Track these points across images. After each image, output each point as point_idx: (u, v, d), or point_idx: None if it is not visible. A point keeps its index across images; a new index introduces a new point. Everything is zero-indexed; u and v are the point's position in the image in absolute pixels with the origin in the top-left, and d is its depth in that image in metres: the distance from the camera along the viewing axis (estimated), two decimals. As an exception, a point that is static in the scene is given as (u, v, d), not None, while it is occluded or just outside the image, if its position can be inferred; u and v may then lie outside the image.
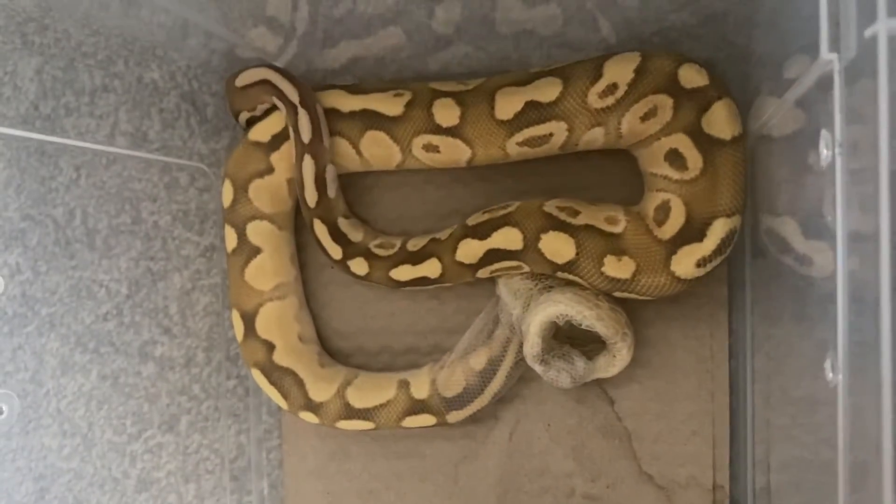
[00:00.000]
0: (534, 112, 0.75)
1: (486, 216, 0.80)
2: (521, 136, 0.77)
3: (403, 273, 0.83)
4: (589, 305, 0.75)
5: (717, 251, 0.72)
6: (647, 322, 0.86)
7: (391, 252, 0.85)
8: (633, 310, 0.83)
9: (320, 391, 0.87)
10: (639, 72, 0.72)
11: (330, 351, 0.94)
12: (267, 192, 0.86)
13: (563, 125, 0.75)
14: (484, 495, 0.91)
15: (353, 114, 0.82)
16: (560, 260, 0.76)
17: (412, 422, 0.86)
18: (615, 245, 0.75)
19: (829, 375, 0.50)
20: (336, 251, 0.85)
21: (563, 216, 0.77)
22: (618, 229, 0.76)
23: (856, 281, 0.47)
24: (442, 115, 0.79)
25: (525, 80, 0.77)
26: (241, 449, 0.95)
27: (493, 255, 0.79)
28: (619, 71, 0.73)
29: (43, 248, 0.74)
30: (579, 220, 0.76)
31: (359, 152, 0.84)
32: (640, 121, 0.74)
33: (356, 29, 0.77)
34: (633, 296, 0.76)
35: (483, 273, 0.81)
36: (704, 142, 0.71)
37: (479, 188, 0.89)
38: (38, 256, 0.73)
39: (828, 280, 0.51)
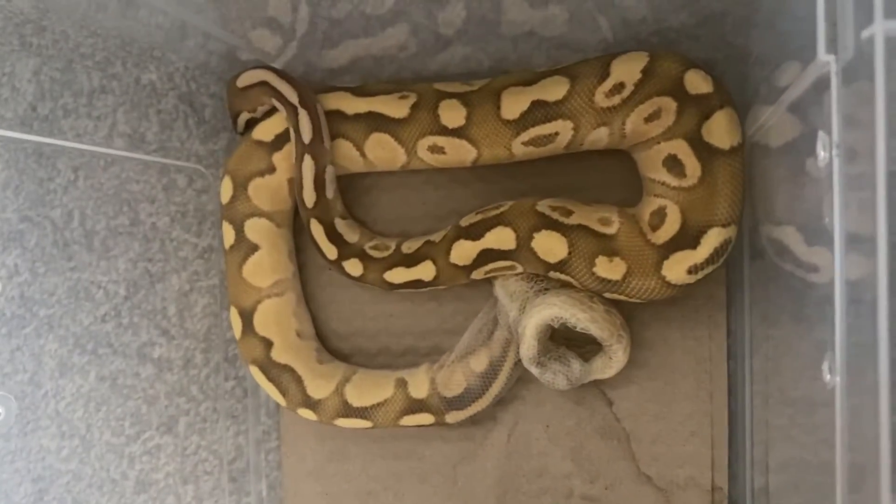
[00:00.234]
0: (540, 111, 0.75)
1: (479, 217, 0.80)
2: (526, 136, 0.77)
3: (397, 275, 0.83)
4: (583, 308, 0.75)
5: (710, 260, 0.72)
6: (646, 323, 0.86)
7: (386, 254, 0.85)
8: (631, 311, 0.83)
9: (318, 388, 0.87)
10: (646, 72, 0.72)
11: (329, 352, 0.94)
12: (267, 191, 0.86)
13: (569, 124, 0.75)
14: (483, 496, 0.91)
15: (357, 116, 0.82)
16: (552, 259, 0.76)
17: (410, 420, 0.86)
18: (607, 246, 0.75)
19: (827, 377, 0.50)
20: (331, 251, 0.85)
21: (555, 215, 0.77)
22: (611, 230, 0.76)
23: (853, 282, 0.47)
24: (448, 117, 0.79)
25: (531, 80, 0.77)
26: (240, 450, 0.95)
27: (486, 256, 0.79)
28: (627, 70, 0.73)
29: (41, 249, 0.74)
30: (572, 220, 0.76)
31: (363, 154, 0.84)
32: (644, 122, 0.74)
33: (355, 30, 0.77)
34: (623, 298, 0.76)
35: (477, 274, 0.81)
36: (703, 150, 0.71)
37: (479, 189, 0.89)
38: (37, 258, 0.73)
39: (826, 282, 0.51)
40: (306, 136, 0.80)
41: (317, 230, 0.85)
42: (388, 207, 0.92)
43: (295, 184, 0.84)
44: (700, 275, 0.73)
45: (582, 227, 0.76)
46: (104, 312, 0.80)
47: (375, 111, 0.81)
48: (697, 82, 0.71)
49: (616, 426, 0.87)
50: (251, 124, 0.87)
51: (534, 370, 0.80)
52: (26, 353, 0.72)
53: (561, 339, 0.81)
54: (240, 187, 0.86)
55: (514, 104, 0.76)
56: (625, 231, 0.75)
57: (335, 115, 0.82)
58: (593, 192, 0.84)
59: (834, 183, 0.48)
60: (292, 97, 0.80)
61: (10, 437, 0.71)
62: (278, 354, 0.87)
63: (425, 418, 0.86)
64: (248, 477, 0.95)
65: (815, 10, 0.48)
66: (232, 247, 0.87)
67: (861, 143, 0.44)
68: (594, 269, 0.74)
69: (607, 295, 0.77)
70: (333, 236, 0.85)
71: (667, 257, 0.73)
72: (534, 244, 0.76)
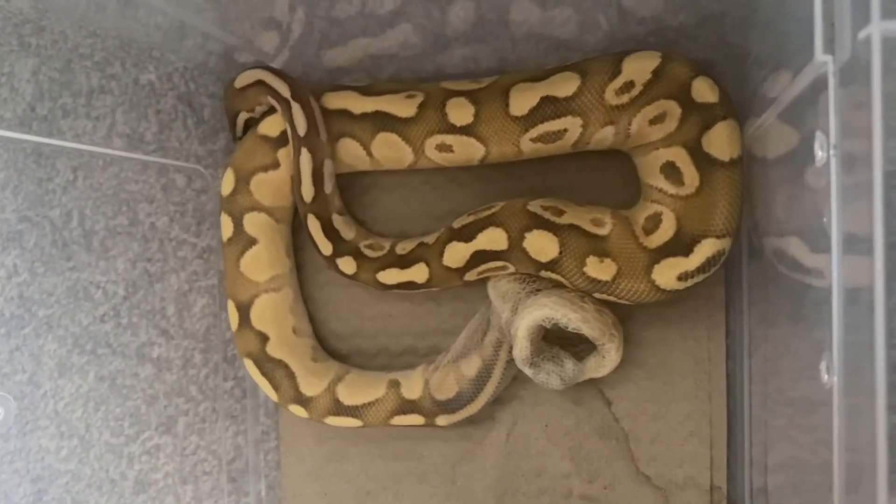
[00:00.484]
0: (550, 107, 0.75)
1: (471, 218, 0.81)
2: (535, 132, 0.77)
3: (390, 276, 0.84)
4: (574, 308, 0.75)
5: (701, 269, 0.72)
6: (645, 323, 0.86)
7: (380, 254, 0.85)
8: (630, 311, 0.83)
9: (311, 385, 0.87)
10: (656, 73, 0.72)
11: (327, 352, 0.94)
12: (269, 187, 0.86)
13: (578, 121, 0.75)
14: (481, 496, 0.91)
15: (364, 115, 0.82)
16: (544, 258, 0.76)
17: (401, 421, 0.86)
18: (599, 246, 0.75)
19: (825, 377, 0.50)
20: (326, 247, 0.85)
21: (547, 215, 0.77)
22: (603, 231, 0.76)
23: (851, 283, 0.47)
24: (456, 115, 0.79)
25: (540, 76, 0.76)
26: (239, 450, 0.95)
27: (479, 257, 0.79)
28: (638, 69, 0.73)
29: (40, 249, 0.73)
30: (564, 220, 0.76)
31: (369, 153, 0.84)
32: (648, 124, 0.74)
33: (354, 30, 0.77)
34: (612, 299, 0.76)
35: (470, 276, 0.81)
36: (702, 160, 0.71)
37: (477, 189, 0.89)
38: (36, 258, 0.73)
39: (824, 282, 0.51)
40: (301, 129, 0.80)
41: (314, 225, 0.85)
42: (387, 207, 0.92)
43: (293, 178, 0.84)
44: (690, 282, 0.73)
45: (573, 227, 0.76)
46: (103, 312, 0.80)
47: (382, 111, 0.81)
48: (704, 91, 0.71)
49: (615, 426, 0.87)
50: (250, 125, 0.88)
51: (527, 371, 0.80)
52: (25, 353, 0.72)
53: (555, 339, 0.81)
54: (242, 181, 0.86)
55: (523, 100, 0.76)
56: (617, 233, 0.75)
57: (342, 115, 0.82)
58: (592, 193, 0.84)
59: (831, 183, 0.48)
60: (284, 91, 0.81)
61: (9, 438, 0.71)
62: (273, 349, 0.88)
63: (416, 419, 0.86)
64: (246, 477, 0.95)
65: (813, 11, 0.49)
66: (230, 239, 0.87)
67: (858, 143, 0.44)
68: (584, 269, 0.74)
69: (597, 295, 0.77)
70: (330, 232, 0.85)
71: (658, 262, 0.73)
72: (525, 244, 0.76)
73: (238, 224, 0.87)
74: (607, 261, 0.74)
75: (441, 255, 0.81)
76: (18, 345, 0.72)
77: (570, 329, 0.76)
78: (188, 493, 0.88)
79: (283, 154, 0.85)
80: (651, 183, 0.76)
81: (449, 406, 0.84)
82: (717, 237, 0.71)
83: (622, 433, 0.87)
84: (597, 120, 0.75)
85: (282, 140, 0.85)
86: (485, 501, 0.91)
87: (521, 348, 0.78)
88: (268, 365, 0.88)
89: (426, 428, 0.88)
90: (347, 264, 0.85)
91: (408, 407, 0.86)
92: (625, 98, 0.73)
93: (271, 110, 0.85)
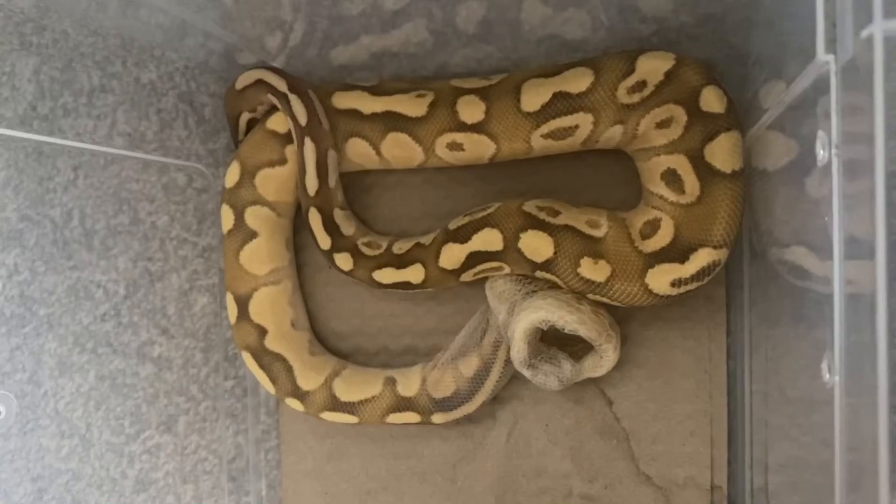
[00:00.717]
0: (562, 103, 0.75)
1: (467, 219, 0.81)
2: (546, 128, 0.77)
3: (386, 276, 0.84)
4: (570, 310, 0.75)
5: (696, 277, 0.72)
6: (646, 322, 0.86)
7: (377, 252, 0.85)
8: (631, 310, 0.83)
9: (308, 380, 0.88)
10: (669, 75, 0.72)
11: (328, 351, 0.94)
12: (274, 183, 0.86)
13: (589, 117, 0.75)
14: (482, 496, 0.91)
15: (374, 115, 0.82)
16: (539, 258, 0.76)
17: (396, 419, 0.86)
18: (594, 248, 0.75)
19: (826, 376, 0.50)
20: (325, 241, 0.85)
21: (542, 215, 0.77)
22: (599, 233, 0.76)
23: (852, 282, 0.47)
24: (467, 112, 0.79)
25: (553, 72, 0.76)
26: (239, 449, 0.95)
27: (475, 258, 0.79)
28: (652, 68, 0.73)
29: (41, 248, 0.73)
30: (559, 220, 0.76)
31: (379, 153, 0.84)
32: (655, 127, 0.74)
33: (355, 29, 0.77)
34: (605, 300, 0.76)
35: (466, 277, 0.81)
36: (704, 169, 0.71)
37: (478, 188, 0.89)
38: (36, 257, 0.73)
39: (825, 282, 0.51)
40: (302, 119, 0.80)
41: (315, 219, 0.85)
42: (389, 206, 0.92)
43: (298, 170, 0.84)
44: (683, 289, 0.73)
45: (569, 228, 0.76)
46: (104, 311, 0.80)
47: (393, 110, 0.81)
48: (712, 100, 0.71)
49: (615, 425, 0.87)
50: (252, 125, 0.88)
51: (525, 373, 0.80)
52: (26, 352, 0.72)
53: (552, 339, 0.81)
54: (247, 174, 0.86)
55: (535, 96, 0.76)
56: (613, 235, 0.75)
57: (351, 114, 0.82)
58: (593, 193, 0.84)
59: (833, 182, 0.48)
60: (281, 86, 0.81)
61: (10, 437, 0.71)
62: (271, 342, 0.88)
63: (411, 417, 0.86)
64: (247, 476, 0.95)
65: (815, 10, 0.48)
66: (230, 231, 0.87)
67: (860, 142, 0.44)
68: (578, 270, 0.75)
69: (591, 296, 0.77)
70: (330, 226, 0.85)
71: (652, 266, 0.73)
72: (521, 244, 0.76)
73: (239, 216, 0.87)
74: (601, 262, 0.74)
75: (437, 256, 0.81)
76: (19, 343, 0.72)
77: (566, 331, 0.76)
78: (188, 493, 0.88)
79: (291, 151, 0.85)
80: (652, 189, 0.77)
81: (446, 404, 0.85)
82: (714, 247, 0.71)
83: (623, 433, 0.87)
84: (607, 118, 0.75)
85: (290, 136, 0.85)
86: (485, 501, 0.91)
87: (519, 350, 0.78)
88: (266, 358, 0.88)
89: (426, 427, 0.88)
90: (344, 260, 0.85)
91: (403, 404, 0.86)
92: (636, 97, 0.73)
93: (273, 109, 0.85)
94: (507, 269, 0.80)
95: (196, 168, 0.90)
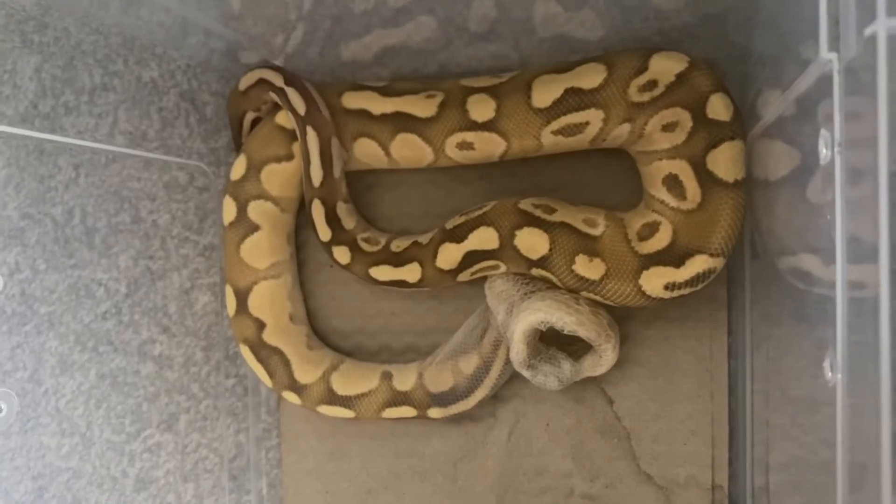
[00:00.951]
0: (573, 99, 0.75)
1: (463, 218, 0.81)
2: (557, 125, 0.76)
3: (383, 273, 0.84)
4: (569, 311, 0.75)
5: (690, 283, 0.72)
6: (647, 322, 0.86)
7: (375, 249, 0.85)
8: (631, 310, 0.83)
9: (305, 373, 0.88)
10: (680, 77, 0.72)
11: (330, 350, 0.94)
12: (280, 178, 0.86)
13: (600, 114, 0.75)
14: (483, 495, 0.91)
15: (384, 116, 0.82)
16: (534, 255, 0.76)
17: (392, 413, 0.86)
18: (589, 246, 0.75)
19: (829, 375, 0.50)
20: (325, 233, 0.85)
21: (538, 213, 0.77)
22: (595, 232, 0.76)
23: (855, 281, 0.47)
24: (477, 111, 0.78)
25: (565, 68, 0.76)
26: (240, 448, 0.95)
27: (471, 258, 0.79)
28: (665, 68, 0.72)
29: (42, 246, 0.73)
30: (555, 217, 0.77)
31: (388, 154, 0.84)
32: (661, 129, 0.74)
33: (357, 28, 0.77)
34: (599, 299, 0.76)
35: (464, 277, 0.82)
36: (706, 177, 0.71)
37: (479, 187, 0.89)
38: (37, 255, 0.73)
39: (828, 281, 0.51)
40: (301, 109, 0.81)
41: (317, 211, 0.85)
42: (390, 205, 0.92)
43: (302, 161, 0.84)
44: (676, 293, 0.73)
45: (564, 225, 0.76)
46: (105, 310, 0.80)
47: (403, 111, 0.81)
48: (719, 108, 0.71)
49: (616, 425, 0.87)
50: (256, 124, 0.89)
51: (525, 373, 0.80)
52: (27, 350, 0.72)
53: (551, 339, 0.81)
54: (253, 169, 0.86)
55: (546, 92, 0.76)
56: (609, 234, 0.75)
57: (361, 115, 0.82)
58: (593, 192, 0.84)
59: (836, 181, 0.48)
60: (278, 81, 0.82)
61: (11, 435, 0.71)
62: (269, 336, 0.88)
63: (407, 411, 0.86)
64: (248, 475, 0.95)
65: (818, 9, 0.48)
66: (231, 224, 0.87)
67: (863, 141, 0.44)
68: (573, 267, 0.75)
69: (585, 294, 0.77)
70: (332, 219, 0.85)
71: (647, 268, 0.73)
72: (516, 241, 0.76)
73: (241, 210, 0.87)
74: (596, 260, 0.74)
75: (434, 256, 0.81)
76: (20, 342, 0.72)
77: (565, 332, 0.76)
78: (189, 491, 0.88)
79: (297, 147, 0.85)
80: (653, 193, 0.77)
81: (443, 399, 0.85)
82: (711, 255, 0.71)
83: (624, 432, 0.87)
84: (617, 115, 0.75)
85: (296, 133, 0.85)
86: (486, 500, 0.91)
87: (518, 351, 0.78)
88: (263, 351, 0.88)
89: (427, 426, 0.88)
90: (342, 254, 0.85)
91: (399, 399, 0.86)
92: (646, 96, 0.73)
93: (277, 107, 0.85)
94: (503, 268, 0.79)
95: (197, 166, 0.90)
